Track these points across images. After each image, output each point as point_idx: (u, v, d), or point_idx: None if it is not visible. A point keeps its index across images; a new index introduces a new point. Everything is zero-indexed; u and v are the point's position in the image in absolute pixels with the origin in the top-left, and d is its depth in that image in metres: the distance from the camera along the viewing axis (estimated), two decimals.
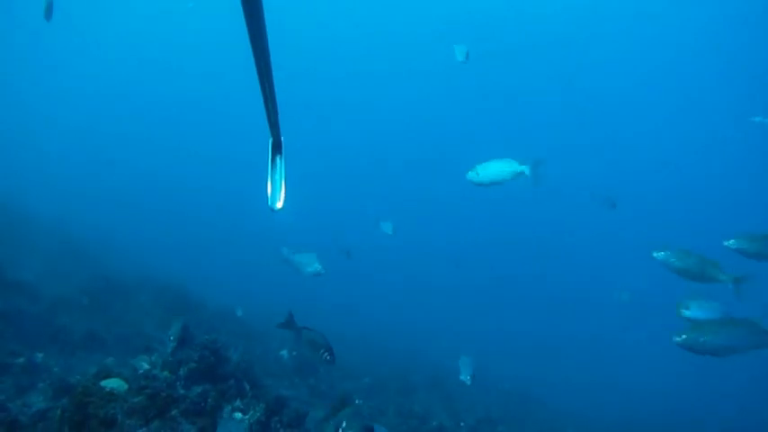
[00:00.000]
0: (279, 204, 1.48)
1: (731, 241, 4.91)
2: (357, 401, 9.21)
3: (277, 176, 1.49)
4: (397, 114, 35.72)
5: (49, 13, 7.33)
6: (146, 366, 5.82)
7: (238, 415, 5.36)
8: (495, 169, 5.43)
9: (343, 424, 5.03)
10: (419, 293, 25.94)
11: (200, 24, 32.09)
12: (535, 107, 32.93)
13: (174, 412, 4.56)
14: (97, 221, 18.62)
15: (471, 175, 5.49)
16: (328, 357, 4.92)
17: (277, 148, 1.50)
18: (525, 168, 5.40)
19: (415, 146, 35.30)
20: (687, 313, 5.11)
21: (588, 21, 25.39)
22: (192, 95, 38.47)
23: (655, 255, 5.08)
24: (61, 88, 36.56)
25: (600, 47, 27.43)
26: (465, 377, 6.87)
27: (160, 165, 36.33)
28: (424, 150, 34.84)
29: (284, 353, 10.40)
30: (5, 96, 33.76)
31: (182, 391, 5.68)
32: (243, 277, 19.28)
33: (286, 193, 1.48)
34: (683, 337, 4.34)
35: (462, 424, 9.51)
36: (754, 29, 21.67)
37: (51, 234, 12.57)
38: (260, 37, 1.06)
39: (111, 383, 4.42)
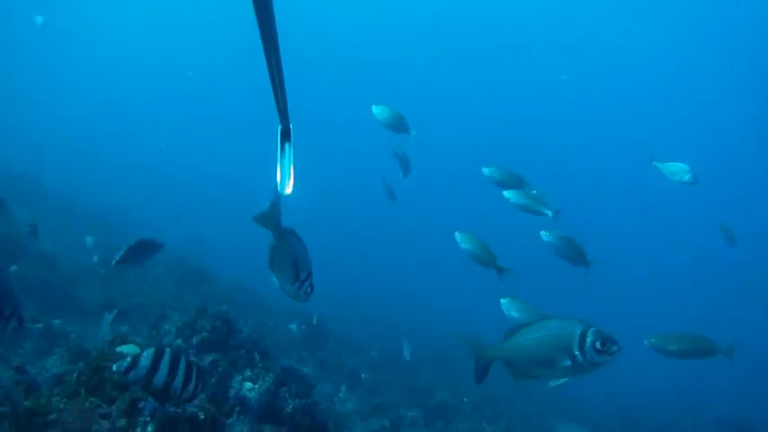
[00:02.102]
0: (288, 190, 1.52)
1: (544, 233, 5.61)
2: (363, 376, 9.40)
3: (286, 162, 1.52)
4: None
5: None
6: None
7: (248, 384, 5.52)
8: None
9: None
10: (427, 271, 26.10)
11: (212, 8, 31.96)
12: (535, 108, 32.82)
13: None
14: (116, 196, 18.92)
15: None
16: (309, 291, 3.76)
17: (286, 134, 1.51)
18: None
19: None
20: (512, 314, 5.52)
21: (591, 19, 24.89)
22: (211, 72, 38.47)
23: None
24: (88, 63, 36.79)
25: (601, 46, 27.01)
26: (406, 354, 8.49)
27: (179, 142, 36.63)
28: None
29: (293, 326, 10.59)
30: (34, 73, 34.08)
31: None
32: (256, 251, 19.44)
33: (295, 178, 1.52)
34: (653, 341, 5.13)
35: (465, 399, 9.65)
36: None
37: (70, 207, 12.84)
38: (268, 24, 1.08)
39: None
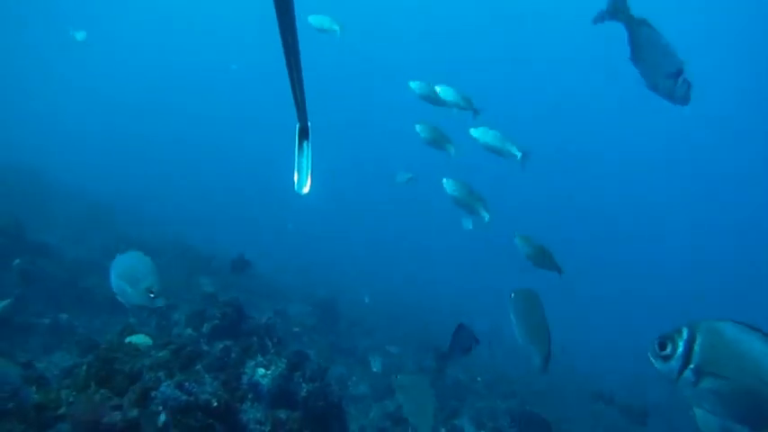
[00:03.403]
0: (306, 189, 1.51)
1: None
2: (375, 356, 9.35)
3: (304, 161, 1.51)
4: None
5: None
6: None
7: (261, 370, 5.45)
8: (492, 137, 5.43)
9: None
10: (444, 255, 26.08)
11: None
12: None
13: (198, 367, 4.66)
14: (122, 188, 18.86)
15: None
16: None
17: (304, 132, 1.51)
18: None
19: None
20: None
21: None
22: (214, 65, 38.18)
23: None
24: (89, 60, 36.56)
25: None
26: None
27: (181, 134, 36.54)
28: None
29: (305, 309, 10.56)
30: (33, 68, 33.90)
31: (205, 347, 5.81)
32: (266, 239, 19.52)
33: (312, 177, 1.51)
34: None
35: (479, 379, 9.62)
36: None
37: (75, 199, 12.76)
38: (288, 21, 1.08)
39: (137, 339, 4.51)
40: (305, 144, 1.52)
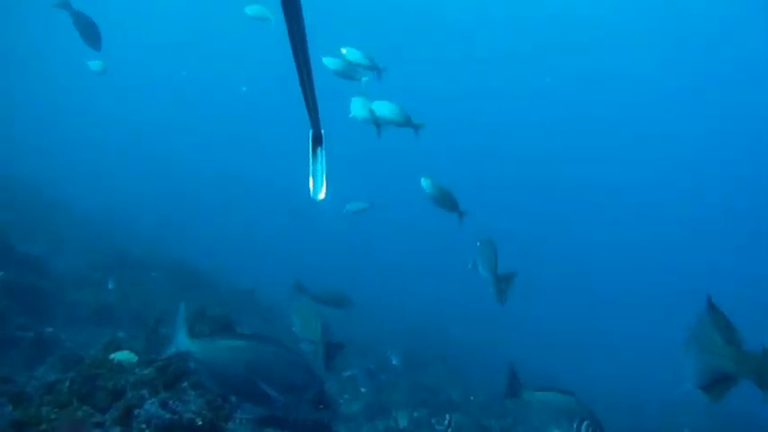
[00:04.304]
0: (321, 196, 1.51)
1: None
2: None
3: (318, 168, 1.51)
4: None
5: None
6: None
7: None
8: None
9: None
10: (434, 273, 26.00)
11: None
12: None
13: (184, 384, 4.55)
14: (114, 201, 18.75)
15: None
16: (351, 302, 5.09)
17: (317, 140, 1.52)
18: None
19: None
20: None
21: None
22: (210, 76, 38.26)
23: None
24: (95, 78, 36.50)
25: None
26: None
27: (176, 148, 36.52)
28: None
29: (296, 329, 10.39)
30: (31, 80, 33.88)
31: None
32: (258, 257, 19.45)
33: (327, 184, 1.51)
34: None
35: (472, 398, 9.50)
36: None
37: (64, 210, 12.64)
38: (298, 26, 1.09)
39: (121, 356, 4.40)
40: (319, 151, 1.52)
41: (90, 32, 6.24)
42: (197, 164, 35.54)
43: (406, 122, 5.55)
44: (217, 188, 31.37)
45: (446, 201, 5.49)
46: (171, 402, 3.65)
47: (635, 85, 29.85)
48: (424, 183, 5.49)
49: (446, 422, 6.81)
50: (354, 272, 22.35)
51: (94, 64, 7.94)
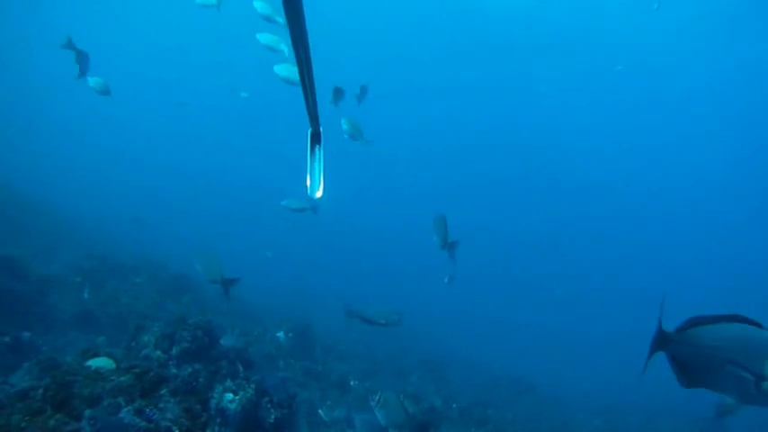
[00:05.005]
0: (319, 193, 1.52)
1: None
2: (352, 383, 9.21)
3: (316, 166, 1.53)
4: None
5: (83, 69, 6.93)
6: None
7: (229, 395, 5.31)
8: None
9: None
10: (417, 280, 26.00)
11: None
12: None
13: (163, 391, 4.51)
14: (97, 206, 18.55)
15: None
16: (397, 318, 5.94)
17: (316, 138, 1.53)
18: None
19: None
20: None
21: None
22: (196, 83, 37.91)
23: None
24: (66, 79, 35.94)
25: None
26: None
27: (161, 152, 36.18)
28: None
29: (281, 334, 10.36)
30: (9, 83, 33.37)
31: (173, 371, 5.65)
32: (244, 261, 19.33)
33: (325, 182, 1.53)
34: None
35: (454, 405, 9.52)
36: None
37: (46, 214, 12.48)
38: (299, 27, 1.11)
39: (99, 362, 4.36)
40: (317, 149, 1.54)
41: (85, 67, 7.07)
42: (180, 169, 35.30)
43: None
44: (201, 192, 31.18)
45: (356, 134, 6.31)
46: (147, 410, 3.63)
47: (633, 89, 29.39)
48: (344, 123, 6.19)
49: None
50: (338, 276, 22.38)
51: (95, 81, 7.89)
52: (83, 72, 7.05)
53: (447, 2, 22.32)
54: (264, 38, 6.91)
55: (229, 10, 8.60)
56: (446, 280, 7.13)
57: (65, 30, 6.96)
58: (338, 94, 6.50)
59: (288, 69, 6.70)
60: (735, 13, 19.66)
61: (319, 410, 7.12)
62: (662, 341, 2.53)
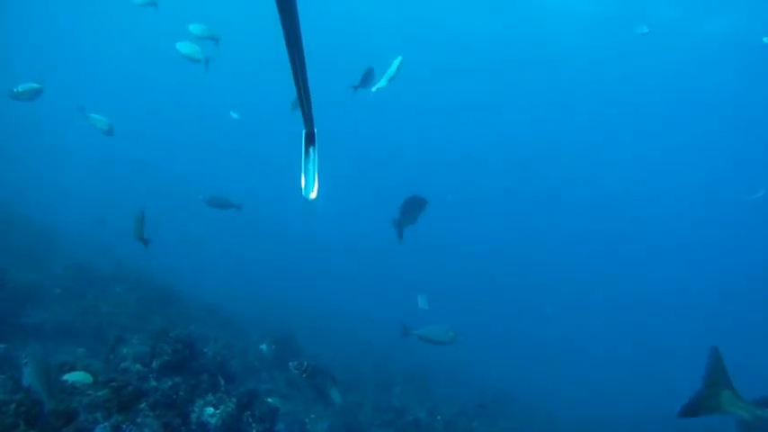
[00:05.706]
0: (313, 195, 1.52)
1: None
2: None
3: (310, 167, 1.52)
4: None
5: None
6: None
7: (210, 409, 5.24)
8: None
9: None
10: (398, 291, 25.87)
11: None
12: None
13: (142, 405, 4.44)
14: (79, 216, 18.21)
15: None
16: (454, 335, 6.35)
17: (310, 139, 1.53)
18: None
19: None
20: None
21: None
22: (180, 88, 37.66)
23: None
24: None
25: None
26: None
27: (143, 160, 35.65)
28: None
29: (264, 347, 10.27)
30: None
31: (153, 384, 5.56)
32: (227, 273, 19.19)
33: (319, 183, 1.53)
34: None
35: (439, 417, 9.49)
36: None
37: (25, 223, 12.24)
38: (293, 28, 1.12)
39: (75, 377, 4.28)
40: (311, 150, 1.54)
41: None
42: (163, 178, 34.83)
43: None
44: (184, 202, 30.75)
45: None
46: (124, 426, 3.57)
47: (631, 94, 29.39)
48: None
49: None
50: (322, 287, 22.22)
51: (99, 121, 7.88)
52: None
53: (443, 23, 22.51)
54: (184, 47, 7.11)
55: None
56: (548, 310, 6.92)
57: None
58: (368, 75, 6.12)
59: (189, 47, 7.12)
60: None
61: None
62: None
